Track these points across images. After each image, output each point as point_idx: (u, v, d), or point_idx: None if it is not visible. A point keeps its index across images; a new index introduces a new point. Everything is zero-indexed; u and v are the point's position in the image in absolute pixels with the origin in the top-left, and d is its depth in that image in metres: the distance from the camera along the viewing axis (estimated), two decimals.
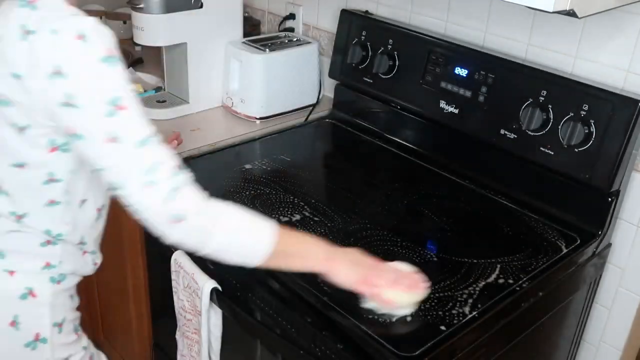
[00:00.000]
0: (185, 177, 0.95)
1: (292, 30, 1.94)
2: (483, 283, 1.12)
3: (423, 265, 1.16)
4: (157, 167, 0.92)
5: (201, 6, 1.65)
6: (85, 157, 0.97)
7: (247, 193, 1.37)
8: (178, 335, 1.36)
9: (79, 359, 1.18)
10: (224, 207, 0.98)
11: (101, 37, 0.92)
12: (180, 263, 1.25)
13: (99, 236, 1.17)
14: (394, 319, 1.01)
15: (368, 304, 1.02)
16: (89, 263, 1.16)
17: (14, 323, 1.06)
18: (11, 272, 1.05)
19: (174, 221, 0.93)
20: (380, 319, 1.01)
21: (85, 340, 1.21)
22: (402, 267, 1.07)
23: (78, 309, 1.19)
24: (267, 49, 1.71)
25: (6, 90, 0.94)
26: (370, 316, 1.01)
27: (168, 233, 0.95)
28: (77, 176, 1.03)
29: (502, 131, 1.38)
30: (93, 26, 0.92)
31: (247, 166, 1.48)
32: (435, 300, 1.07)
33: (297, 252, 1.03)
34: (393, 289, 1.01)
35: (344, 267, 1.02)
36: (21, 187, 1.02)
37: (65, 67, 0.89)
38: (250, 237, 0.99)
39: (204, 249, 0.97)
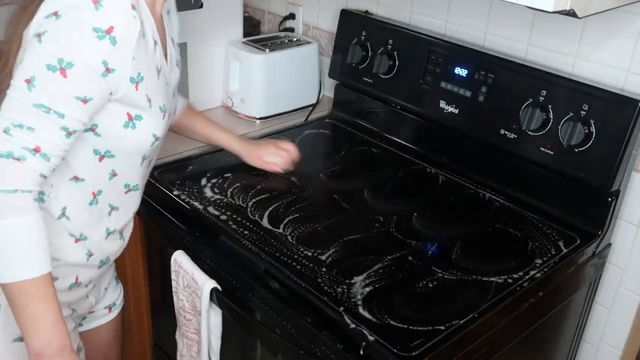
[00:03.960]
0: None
1: (292, 30, 1.94)
2: (483, 283, 1.12)
3: (422, 265, 1.16)
4: None
5: (201, 6, 1.65)
6: None
7: (247, 193, 1.37)
8: (178, 335, 1.36)
9: None
10: (27, 213, 0.92)
11: None
12: (180, 263, 1.25)
13: None
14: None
15: None
16: None
17: None
18: None
19: None
20: (380, 319, 1.01)
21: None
22: None
23: None
24: (267, 49, 1.71)
25: None
26: (371, 316, 1.01)
27: None
28: None
29: (502, 131, 1.38)
30: None
31: (247, 166, 1.48)
32: (435, 300, 1.07)
33: (29, 312, 0.94)
34: None
35: None
36: None
37: None
38: (15, 252, 0.92)
39: None
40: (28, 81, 0.89)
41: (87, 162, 1.03)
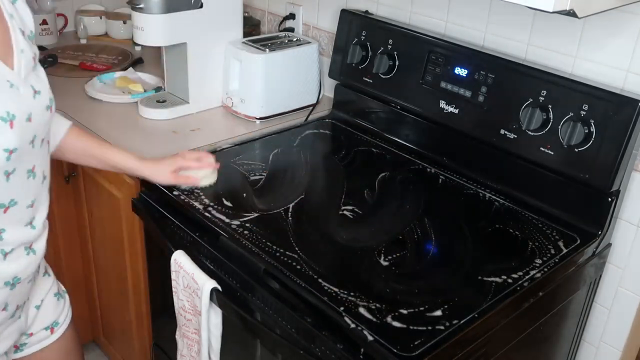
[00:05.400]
0: None
1: (292, 30, 1.94)
2: (483, 283, 1.12)
3: (422, 265, 1.16)
4: None
5: (201, 6, 1.65)
6: None
7: (247, 193, 1.37)
8: (178, 335, 1.36)
9: None
10: None
11: None
12: (180, 263, 1.25)
13: None
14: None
15: None
16: None
17: None
18: None
19: None
20: (380, 319, 1.01)
21: None
22: None
23: None
24: (267, 49, 1.71)
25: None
26: (371, 316, 1.01)
27: None
28: None
29: (502, 131, 1.38)
30: None
31: (247, 166, 1.48)
32: (436, 300, 1.07)
33: None
34: None
35: None
36: None
37: None
38: None
39: None
40: None
41: None
